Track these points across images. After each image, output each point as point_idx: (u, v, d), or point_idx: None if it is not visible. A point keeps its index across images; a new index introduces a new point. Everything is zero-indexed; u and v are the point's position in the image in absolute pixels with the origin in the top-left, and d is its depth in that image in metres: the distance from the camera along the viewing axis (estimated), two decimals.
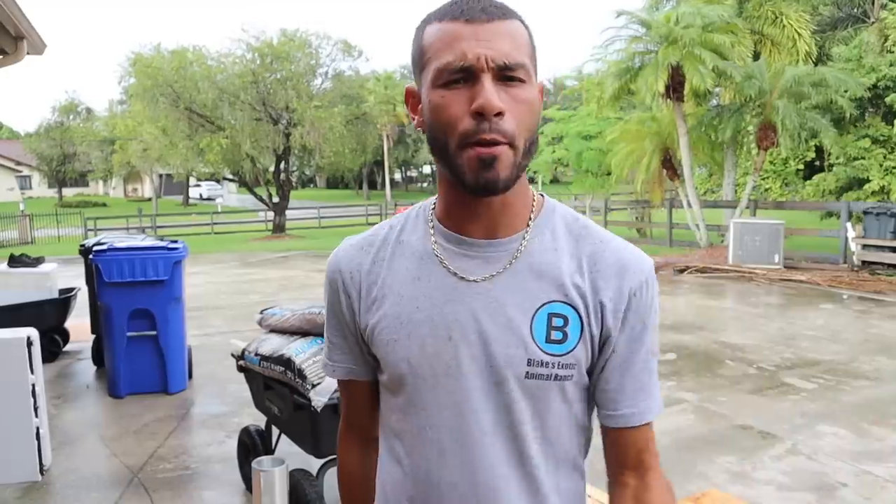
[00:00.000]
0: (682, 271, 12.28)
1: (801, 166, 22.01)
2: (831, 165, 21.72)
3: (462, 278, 1.01)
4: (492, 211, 1.00)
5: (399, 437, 1.08)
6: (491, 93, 0.90)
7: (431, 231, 1.06)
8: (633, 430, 1.05)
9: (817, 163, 22.84)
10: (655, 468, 1.08)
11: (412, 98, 1.03)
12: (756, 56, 15.28)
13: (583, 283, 1.01)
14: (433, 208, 1.09)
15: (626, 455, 1.07)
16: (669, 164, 15.61)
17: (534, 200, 1.06)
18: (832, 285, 10.57)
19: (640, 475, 1.07)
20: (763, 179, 22.01)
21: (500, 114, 0.91)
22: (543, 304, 1.00)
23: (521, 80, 0.93)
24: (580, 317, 1.00)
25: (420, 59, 0.98)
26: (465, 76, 0.91)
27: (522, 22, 0.98)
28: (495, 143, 0.91)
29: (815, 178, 18.33)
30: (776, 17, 15.44)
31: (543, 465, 1.03)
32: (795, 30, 15.18)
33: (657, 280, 1.07)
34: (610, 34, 14.70)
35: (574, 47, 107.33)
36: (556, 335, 0.99)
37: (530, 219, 1.04)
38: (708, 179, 24.08)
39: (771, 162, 21.87)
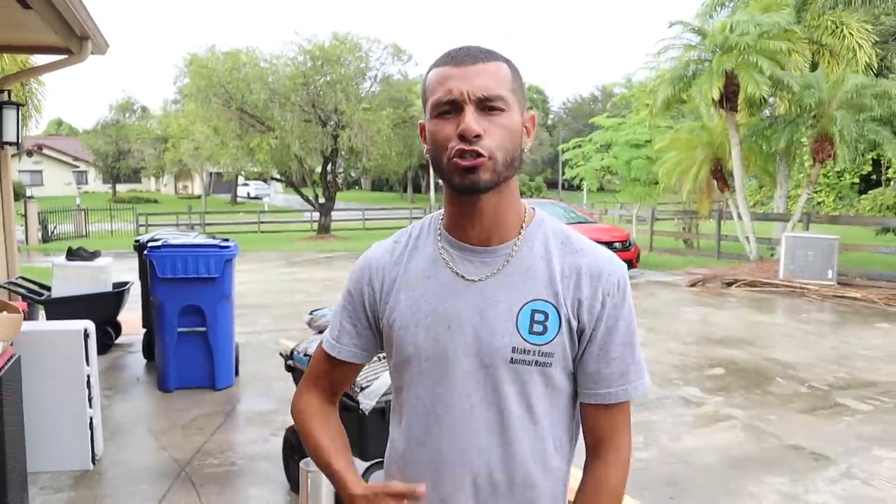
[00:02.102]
0: (730, 284, 12.04)
1: (857, 180, 21.44)
2: (889, 179, 21.11)
3: (464, 278, 1.22)
4: (485, 221, 1.21)
5: (403, 413, 1.28)
6: (471, 120, 1.11)
7: (439, 238, 1.27)
8: (607, 408, 1.24)
9: (874, 177, 22.20)
10: (622, 449, 1.25)
11: (423, 130, 1.23)
12: (813, 67, 14.91)
13: (564, 285, 1.20)
14: (441, 219, 1.29)
15: (598, 431, 1.25)
16: (720, 175, 15.33)
17: (525, 213, 1.26)
18: (889, 304, 10.23)
19: (605, 452, 1.25)
20: (816, 193, 21.50)
21: (478, 136, 1.12)
22: (528, 302, 1.20)
23: (501, 109, 1.14)
24: (559, 313, 1.20)
25: (424, 97, 1.20)
26: (452, 108, 1.14)
27: (507, 62, 1.19)
28: (476, 156, 1.12)
29: (872, 192, 17.83)
30: (836, 27, 15.02)
31: (526, 440, 1.21)
32: (856, 40, 14.76)
33: (629, 284, 1.26)
34: (664, 44, 14.51)
35: (622, 54, 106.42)
36: (537, 328, 1.19)
37: (521, 229, 1.24)
38: (758, 191, 23.60)
39: (825, 175, 21.36)
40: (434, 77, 1.17)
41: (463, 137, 1.12)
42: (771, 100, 15.17)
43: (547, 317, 1.19)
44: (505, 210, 1.22)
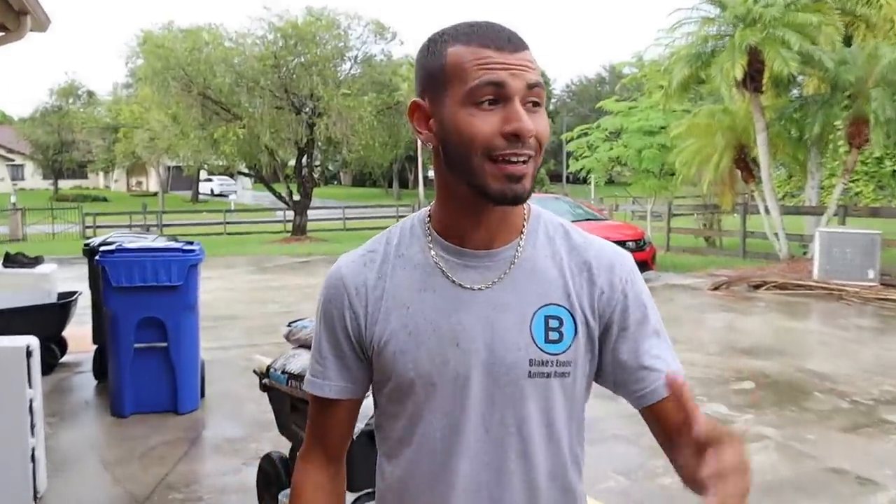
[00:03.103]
0: (757, 287, 12.06)
1: None
2: None
3: (465, 288, 1.21)
4: (492, 222, 1.21)
5: (405, 444, 1.25)
6: (526, 118, 1.11)
7: (430, 244, 1.25)
8: (667, 399, 1.20)
9: None
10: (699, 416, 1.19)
11: (420, 111, 1.21)
12: (847, 41, 14.97)
13: (574, 284, 1.23)
14: (428, 221, 1.27)
15: (676, 421, 1.17)
16: (744, 164, 15.39)
17: (524, 209, 1.26)
18: None
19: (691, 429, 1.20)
20: (853, 182, 21.59)
21: (532, 136, 1.12)
22: (540, 308, 1.21)
23: (538, 104, 1.15)
24: (573, 317, 1.21)
25: (440, 77, 1.16)
26: (496, 98, 1.12)
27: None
28: (524, 161, 1.12)
29: None
30: None
31: (547, 461, 1.22)
32: (895, 10, 14.85)
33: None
34: (678, 16, 14.55)
35: (632, 29, 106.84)
36: (552, 335, 1.20)
37: (523, 227, 1.25)
38: (787, 181, 23.72)
39: (863, 162, 21.46)
40: (468, 57, 1.13)
41: (515, 137, 1.11)
42: (800, 78, 15.22)
43: (561, 322, 1.21)
44: (514, 211, 1.23)
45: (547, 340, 1.19)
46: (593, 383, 1.30)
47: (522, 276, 1.22)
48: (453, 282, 1.21)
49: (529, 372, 1.19)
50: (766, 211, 14.82)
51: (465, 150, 1.13)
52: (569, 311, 1.21)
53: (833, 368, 7.16)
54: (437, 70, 1.16)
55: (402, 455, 1.26)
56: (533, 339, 1.19)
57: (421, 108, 1.20)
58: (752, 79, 13.50)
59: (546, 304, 1.20)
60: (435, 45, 1.18)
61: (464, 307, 1.20)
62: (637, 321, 1.23)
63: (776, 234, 14.73)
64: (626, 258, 1.27)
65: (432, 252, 1.24)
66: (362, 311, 1.25)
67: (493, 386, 1.19)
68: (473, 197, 1.16)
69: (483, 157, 1.11)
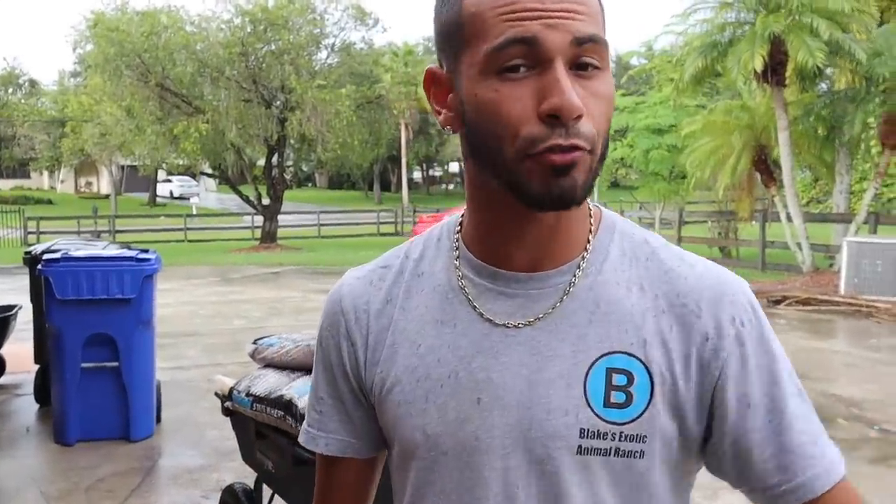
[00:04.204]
0: (778, 302, 12.14)
1: None
2: None
3: (497, 325, 0.99)
4: (542, 233, 0.97)
5: None
6: (570, 89, 0.85)
7: (456, 260, 1.04)
8: (827, 496, 0.96)
9: None
10: None
11: (437, 84, 0.99)
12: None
13: (658, 326, 0.97)
14: (458, 230, 1.06)
15: None
16: (764, 166, 15.49)
17: (591, 216, 1.02)
18: None
19: None
20: (886, 187, 21.78)
21: (579, 116, 0.86)
22: (601, 357, 0.96)
23: (597, 67, 0.89)
24: (649, 372, 0.95)
25: (456, 35, 0.92)
26: (529, 63, 0.87)
27: None
28: (573, 149, 0.87)
29: None
30: None
31: None
32: None
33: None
34: (692, 0, 14.66)
35: (641, 15, 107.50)
36: (617, 397, 0.95)
37: (588, 242, 1.01)
38: (812, 185, 23.95)
39: None
40: (490, 3, 0.89)
41: (554, 117, 0.86)
42: (828, 71, 15.33)
43: (631, 379, 0.95)
44: (573, 219, 0.98)
45: (608, 404, 0.95)
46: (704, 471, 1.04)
47: (580, 312, 0.98)
48: (481, 314, 1.00)
49: (579, 447, 0.95)
50: (789, 218, 14.91)
51: (495, 142, 0.90)
52: (643, 365, 0.95)
53: (861, 393, 7.21)
54: (452, 25, 0.93)
55: None
56: (587, 400, 0.95)
57: (437, 77, 0.99)
58: (775, 71, 13.58)
59: (611, 353, 0.96)
60: None
61: (492, 350, 0.98)
62: (766, 381, 0.96)
63: (799, 244, 14.82)
64: (742, 286, 1.00)
65: (459, 272, 1.03)
66: (361, 342, 1.07)
67: (526, 462, 0.97)
68: (511, 199, 0.93)
69: (520, 154, 0.88)
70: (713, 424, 0.97)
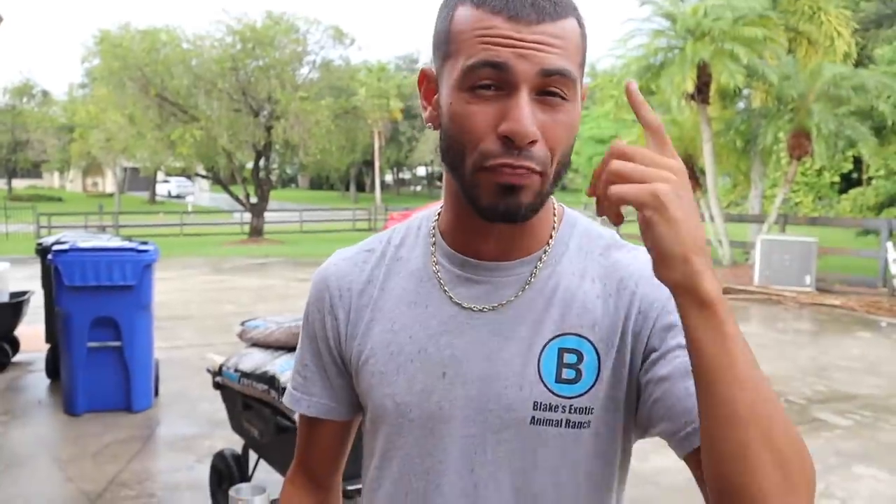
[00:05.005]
0: None
1: (837, 179, 22.14)
2: (870, 178, 21.87)
3: (464, 307, 0.98)
4: (505, 230, 0.96)
5: (377, 489, 1.05)
6: (526, 116, 0.83)
7: (433, 248, 1.03)
8: None
9: (854, 175, 22.97)
10: None
11: (428, 83, 0.97)
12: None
13: (606, 309, 0.96)
14: (436, 220, 1.05)
15: None
16: (690, 173, 15.61)
17: (554, 213, 1.02)
18: (870, 311, 10.61)
19: None
20: (794, 192, 22.13)
21: (532, 142, 0.85)
22: (554, 338, 0.95)
23: (563, 97, 0.87)
24: (597, 351, 0.94)
25: (443, 45, 0.91)
26: (497, 84, 0.85)
27: (578, 19, 0.89)
28: (523, 170, 0.86)
29: (852, 192, 18.48)
30: (814, 13, 15.53)
31: None
32: (835, 27, 15.28)
33: None
34: (630, 27, 14.79)
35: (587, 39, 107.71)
36: (567, 373, 0.94)
37: (550, 237, 1.00)
38: (731, 190, 24.21)
39: (803, 173, 21.99)
40: (470, 23, 0.87)
41: (509, 140, 0.84)
42: (745, 91, 15.56)
43: (581, 357, 0.94)
44: (536, 218, 0.95)
45: (559, 380, 0.94)
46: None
47: (539, 298, 0.97)
48: (450, 298, 0.99)
49: (532, 417, 0.94)
50: (711, 218, 15.08)
51: (459, 148, 0.89)
52: (592, 345, 0.95)
53: (771, 369, 7.35)
54: (442, 35, 0.92)
55: (376, 502, 1.06)
56: (541, 377, 0.94)
57: (429, 77, 0.97)
58: (700, 91, 13.77)
59: (563, 334, 0.95)
60: (449, 1, 0.93)
61: (458, 330, 0.98)
62: (680, 337, 0.88)
63: (720, 241, 15.00)
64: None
65: (434, 259, 1.02)
66: (343, 317, 1.06)
67: (485, 431, 0.96)
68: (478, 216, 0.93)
69: (476, 166, 0.88)
70: (641, 379, 0.94)
